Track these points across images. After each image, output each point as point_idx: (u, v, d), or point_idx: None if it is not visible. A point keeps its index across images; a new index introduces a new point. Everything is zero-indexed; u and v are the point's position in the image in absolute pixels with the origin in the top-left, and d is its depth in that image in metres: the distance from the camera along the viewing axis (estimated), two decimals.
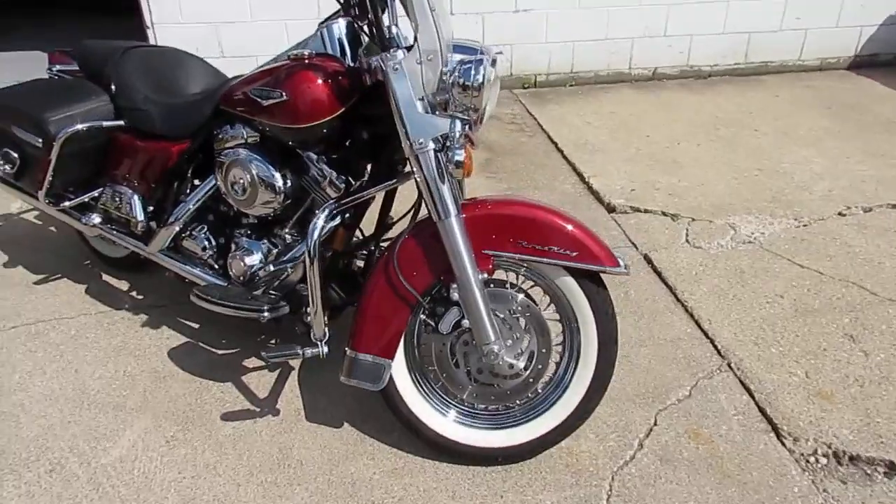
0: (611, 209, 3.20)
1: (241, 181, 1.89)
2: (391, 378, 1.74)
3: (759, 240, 2.88)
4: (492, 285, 1.76)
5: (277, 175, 1.85)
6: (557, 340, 1.79)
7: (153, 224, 2.20)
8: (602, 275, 1.70)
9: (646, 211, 3.15)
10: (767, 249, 2.80)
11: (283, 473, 1.80)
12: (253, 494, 1.74)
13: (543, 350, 1.75)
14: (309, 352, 1.74)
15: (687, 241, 2.89)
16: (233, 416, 2.00)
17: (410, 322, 1.75)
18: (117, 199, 2.21)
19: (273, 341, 2.29)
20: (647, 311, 2.44)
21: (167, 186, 2.16)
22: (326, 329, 1.77)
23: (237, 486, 1.76)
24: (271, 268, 1.92)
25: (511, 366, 1.70)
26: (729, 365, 2.16)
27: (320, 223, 1.69)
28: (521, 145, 4.01)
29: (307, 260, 1.67)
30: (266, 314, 1.85)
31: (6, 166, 2.30)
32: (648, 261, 2.76)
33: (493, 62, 1.64)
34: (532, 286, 1.78)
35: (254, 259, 1.98)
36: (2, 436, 1.93)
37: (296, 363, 2.20)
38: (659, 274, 2.66)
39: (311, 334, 1.76)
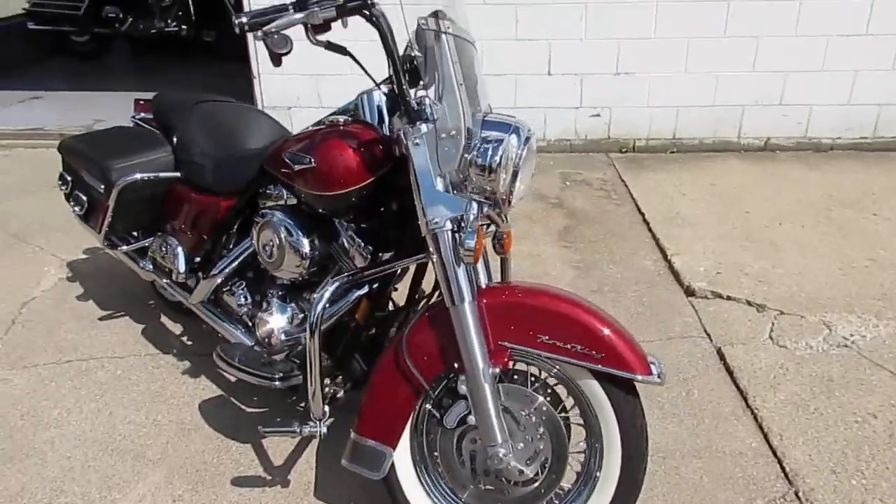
0: (689, 292, 2.93)
1: (271, 243, 1.86)
2: (393, 467, 1.62)
3: (858, 344, 2.52)
4: (515, 377, 1.61)
5: (305, 241, 1.81)
6: (579, 448, 1.60)
7: (200, 275, 2.23)
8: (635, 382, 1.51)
9: (728, 298, 2.86)
10: (866, 357, 2.44)
11: None
12: None
13: (559, 458, 1.57)
14: (307, 430, 1.65)
15: (770, 337, 2.58)
16: (244, 481, 1.94)
17: (418, 410, 1.63)
18: (164, 248, 2.26)
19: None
20: (709, 416, 2.17)
21: (215, 239, 2.18)
22: (326, 408, 1.68)
23: None
24: (283, 336, 1.87)
25: (520, 472, 1.54)
26: (796, 494, 1.86)
27: (326, 296, 1.61)
28: (605, 214, 3.81)
29: (307, 333, 1.60)
30: (277, 383, 1.79)
31: (76, 207, 2.43)
32: (721, 356, 2.47)
33: (527, 140, 1.53)
34: (556, 384, 1.61)
35: (278, 322, 1.93)
36: (26, 472, 1.98)
37: None
38: (731, 373, 2.38)
39: (311, 413, 1.67)
